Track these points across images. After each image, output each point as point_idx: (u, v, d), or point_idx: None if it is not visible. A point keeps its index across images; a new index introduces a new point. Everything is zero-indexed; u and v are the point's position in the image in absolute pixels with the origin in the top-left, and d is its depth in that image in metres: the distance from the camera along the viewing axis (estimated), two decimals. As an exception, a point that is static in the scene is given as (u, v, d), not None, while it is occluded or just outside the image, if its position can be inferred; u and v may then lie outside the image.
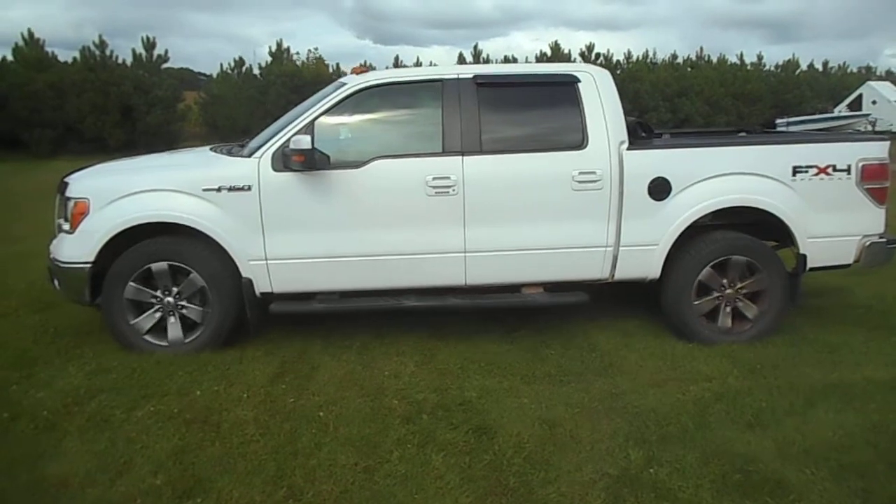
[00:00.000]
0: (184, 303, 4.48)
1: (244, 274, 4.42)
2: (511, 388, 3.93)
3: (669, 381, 4.02)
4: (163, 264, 4.39)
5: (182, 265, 4.40)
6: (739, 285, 4.67)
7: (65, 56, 25.30)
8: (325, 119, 4.46)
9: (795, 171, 4.60)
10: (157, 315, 4.49)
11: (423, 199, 4.38)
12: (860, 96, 29.49)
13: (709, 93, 29.35)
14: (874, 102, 28.49)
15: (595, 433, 3.38)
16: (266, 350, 4.52)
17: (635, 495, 2.86)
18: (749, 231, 4.72)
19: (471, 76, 4.56)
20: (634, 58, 30.35)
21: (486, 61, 28.36)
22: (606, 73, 4.80)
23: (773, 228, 4.70)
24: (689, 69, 31.19)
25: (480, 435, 3.37)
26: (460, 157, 4.40)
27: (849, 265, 4.81)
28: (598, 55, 28.24)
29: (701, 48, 32.96)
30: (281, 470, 3.08)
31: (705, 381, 4.00)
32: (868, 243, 4.72)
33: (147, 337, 4.47)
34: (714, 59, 32.51)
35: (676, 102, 28.43)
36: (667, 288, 4.66)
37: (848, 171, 4.63)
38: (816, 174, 4.61)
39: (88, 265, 4.35)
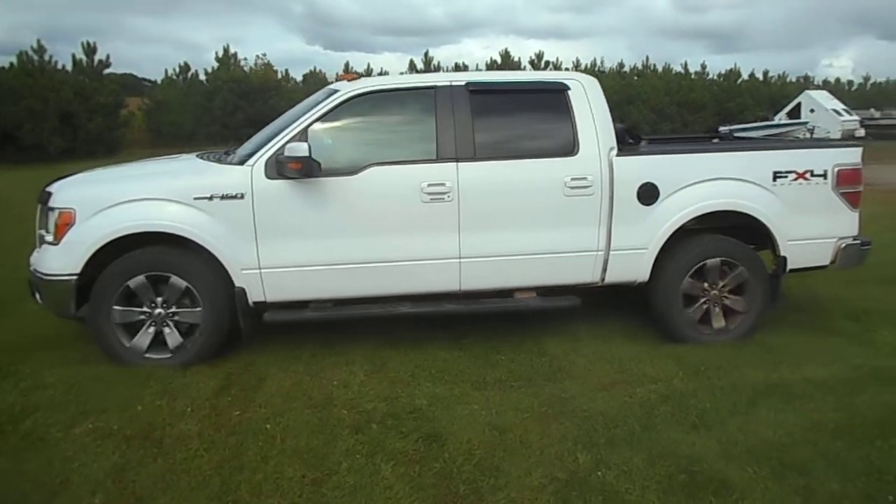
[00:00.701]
0: (174, 310, 4.37)
1: (237, 283, 4.34)
2: (461, 394, 3.92)
3: (617, 384, 4.08)
4: (146, 276, 4.28)
5: (173, 275, 4.29)
6: (723, 285, 4.81)
7: (1, 61, 24.42)
8: (318, 126, 4.42)
9: (776, 176, 4.76)
10: (151, 330, 4.37)
11: (419, 206, 4.39)
12: (799, 105, 30.61)
13: (654, 101, 30.12)
14: (812, 111, 29.61)
15: (544, 438, 3.39)
16: (211, 362, 4.41)
17: (583, 499, 2.88)
18: (728, 234, 4.84)
19: (463, 83, 4.58)
20: (583, 66, 30.92)
21: (438, 69, 28.48)
22: (595, 80, 4.89)
23: (752, 231, 4.85)
24: (635, 78, 31.99)
25: (430, 443, 3.34)
26: (455, 164, 4.42)
27: (825, 266, 4.99)
28: (547, 63, 28.69)
29: (647, 57, 33.96)
30: (226, 485, 3.00)
31: (652, 384, 4.06)
32: (843, 245, 4.91)
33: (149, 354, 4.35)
34: (660, 69, 33.42)
35: (624, 110, 29.04)
36: (656, 290, 4.77)
37: (824, 176, 4.81)
38: (795, 179, 4.77)
39: (74, 277, 4.20)
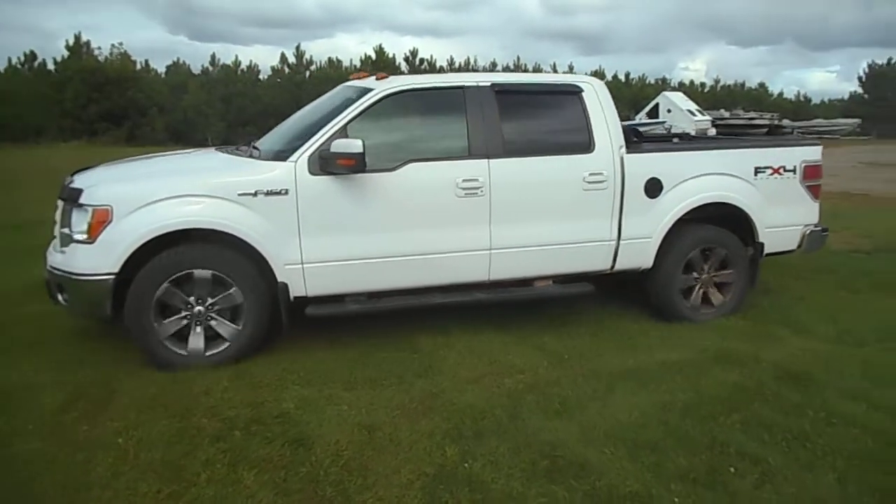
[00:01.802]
0: (214, 314, 4.30)
1: (280, 278, 4.35)
2: (331, 395, 3.84)
3: (486, 376, 4.16)
4: (204, 273, 4.21)
5: (218, 273, 4.24)
6: (713, 271, 5.36)
7: None
8: (355, 124, 4.48)
9: (756, 171, 5.35)
10: (199, 329, 4.29)
11: (454, 200, 4.57)
12: (657, 105, 32.57)
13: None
14: (669, 111, 31.59)
15: (414, 434, 3.40)
16: (55, 375, 4.07)
17: (450, 491, 2.91)
18: (711, 223, 5.34)
19: (489, 84, 4.80)
20: (457, 64, 31.42)
21: (310, 63, 27.91)
22: (603, 83, 5.20)
23: (733, 220, 5.35)
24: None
25: (297, 447, 3.25)
26: (486, 161, 4.63)
27: (793, 251, 5.63)
28: (422, 60, 28.89)
29: (518, 57, 35.01)
30: (71, 506, 2.77)
31: (519, 374, 4.18)
32: (808, 231, 5.58)
33: (167, 343, 4.23)
34: (530, 68, 34.55)
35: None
36: (656, 274, 5.20)
37: (794, 171, 5.45)
38: (771, 174, 5.38)
39: (112, 276, 4.07)
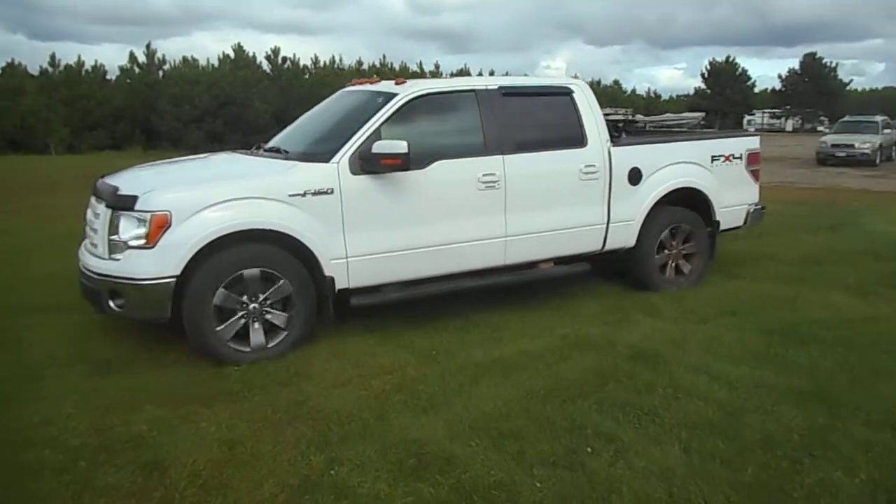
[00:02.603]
0: (269, 310, 4.49)
1: (327, 273, 4.60)
2: (188, 413, 3.65)
3: (353, 379, 4.11)
4: (255, 271, 4.39)
5: (270, 270, 4.43)
6: (681, 246, 6.16)
7: None
8: (386, 126, 4.80)
9: (713, 159, 6.21)
10: (242, 322, 4.44)
11: (476, 193, 5.04)
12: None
13: (393, 99, 31.13)
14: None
15: (277, 445, 3.30)
16: None
17: (315, 500, 2.85)
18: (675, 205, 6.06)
19: (496, 87, 5.31)
20: (322, 63, 30.92)
21: (163, 62, 26.43)
22: (587, 85, 5.83)
23: (694, 201, 6.14)
24: (374, 76, 32.74)
25: (150, 471, 3.06)
26: (501, 156, 5.12)
27: (740, 227, 6.54)
28: (284, 59, 28.11)
29: (384, 56, 34.99)
30: None
31: (387, 374, 4.17)
32: (752, 210, 6.54)
33: (231, 344, 4.40)
34: (397, 67, 34.64)
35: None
36: (637, 251, 5.90)
37: (741, 158, 6.40)
38: (724, 161, 6.27)
39: (174, 279, 4.19)
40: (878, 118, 23.45)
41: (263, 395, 3.91)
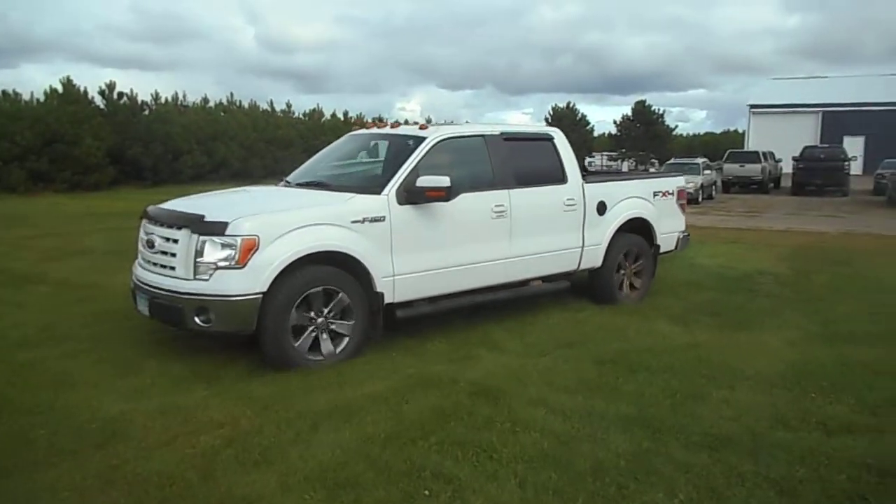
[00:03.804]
0: (333, 321, 5.14)
1: (378, 289, 5.27)
2: (-23, 489, 3.19)
3: (180, 436, 3.80)
4: (319, 289, 5.00)
5: (332, 287, 5.06)
6: (634, 266, 7.31)
7: None
8: (420, 164, 5.60)
9: (654, 194, 7.46)
10: (326, 336, 5.12)
11: (490, 221, 5.96)
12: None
13: (242, 137, 30.20)
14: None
15: (84, 517, 2.95)
16: None
17: (123, 579, 2.56)
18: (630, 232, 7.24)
19: (499, 133, 6.32)
20: (163, 99, 29.43)
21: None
22: (562, 133, 6.93)
23: (640, 229, 7.30)
24: (221, 114, 31.66)
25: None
26: (507, 190, 6.07)
27: (672, 251, 7.79)
28: (121, 94, 26.44)
29: (231, 93, 33.88)
30: None
31: (218, 429, 3.89)
32: (681, 236, 7.89)
33: (308, 356, 5.01)
34: (246, 105, 33.72)
35: (211, 146, 28.46)
36: (602, 271, 6.99)
37: (673, 193, 7.70)
38: (662, 196, 7.55)
39: (261, 295, 4.74)
40: (700, 160, 25.79)
41: (73, 460, 3.51)
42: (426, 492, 3.20)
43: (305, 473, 3.34)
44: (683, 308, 6.99)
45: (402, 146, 5.93)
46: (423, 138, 5.85)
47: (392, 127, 6.60)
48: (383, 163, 6.21)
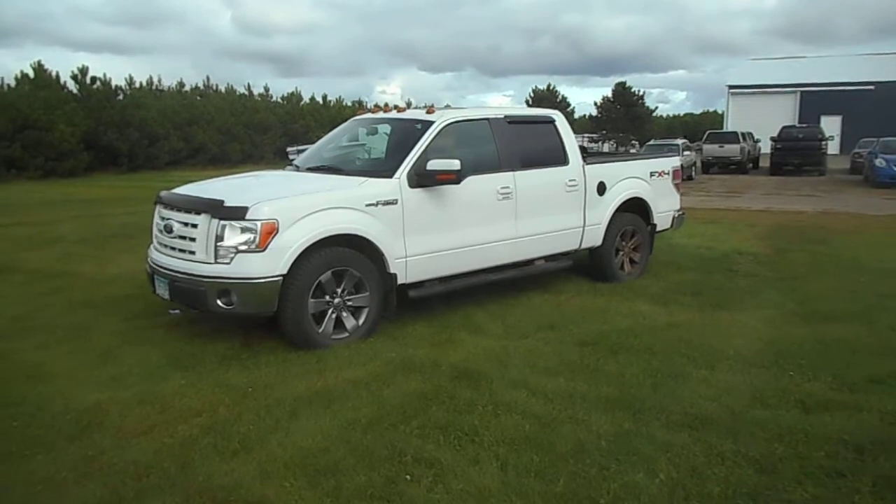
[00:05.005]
0: (350, 297, 5.24)
1: (391, 270, 5.40)
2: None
3: (157, 426, 3.75)
4: (336, 270, 5.11)
5: (349, 269, 5.18)
6: (631, 244, 7.50)
7: None
8: (429, 147, 5.68)
9: (651, 174, 7.60)
10: (334, 316, 5.19)
11: (496, 203, 6.07)
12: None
13: (220, 121, 29.87)
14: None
15: (59, 510, 2.90)
16: None
17: (99, 571, 2.52)
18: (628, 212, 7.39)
19: (503, 116, 6.40)
20: (138, 83, 28.95)
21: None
22: (562, 115, 7.02)
23: (638, 208, 7.44)
24: (198, 98, 31.23)
25: None
26: (512, 173, 6.16)
27: (668, 229, 7.96)
28: (94, 79, 25.94)
29: (208, 77, 33.47)
30: None
31: (195, 417, 3.84)
32: (677, 215, 8.01)
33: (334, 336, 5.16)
34: (223, 89, 33.28)
35: (188, 131, 28.09)
36: (602, 249, 7.15)
37: (669, 173, 7.84)
38: (658, 176, 7.68)
39: (281, 277, 4.84)
40: (680, 141, 25.87)
41: (47, 453, 3.45)
42: (408, 476, 3.18)
43: (285, 461, 3.31)
44: (663, 288, 7.00)
45: (411, 130, 5.99)
46: (432, 122, 5.90)
47: (398, 111, 6.67)
48: (392, 147, 6.30)
